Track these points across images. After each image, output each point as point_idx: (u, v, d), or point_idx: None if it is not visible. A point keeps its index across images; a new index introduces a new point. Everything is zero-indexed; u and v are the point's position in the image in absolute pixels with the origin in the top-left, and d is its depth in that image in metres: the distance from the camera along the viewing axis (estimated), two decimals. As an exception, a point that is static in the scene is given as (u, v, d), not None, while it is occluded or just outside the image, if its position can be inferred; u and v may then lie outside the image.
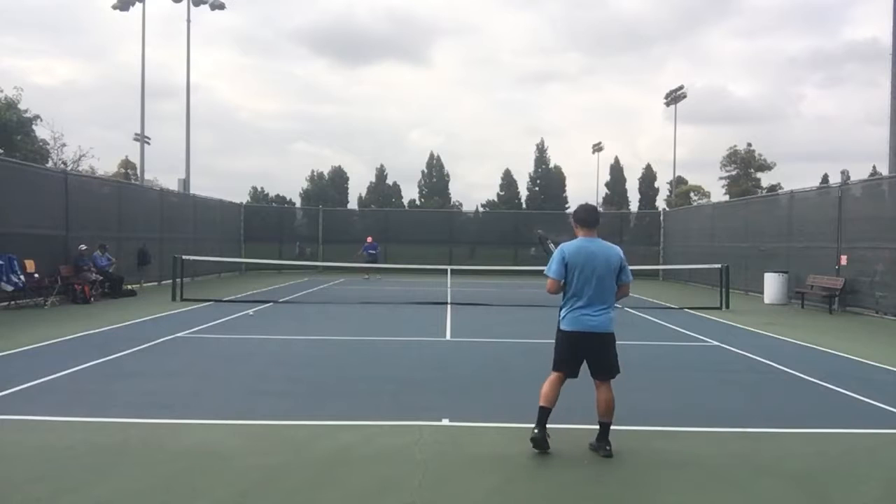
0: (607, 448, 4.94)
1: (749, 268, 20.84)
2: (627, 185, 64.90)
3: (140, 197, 22.46)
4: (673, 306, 16.92)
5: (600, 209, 55.82)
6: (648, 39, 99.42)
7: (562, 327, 5.10)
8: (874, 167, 52.67)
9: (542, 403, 5.01)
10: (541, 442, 4.91)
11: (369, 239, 28.17)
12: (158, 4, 62.58)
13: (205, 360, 8.70)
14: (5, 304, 14.00)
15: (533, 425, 4.97)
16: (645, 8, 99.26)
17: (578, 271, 4.97)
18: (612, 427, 5.74)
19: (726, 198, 49.09)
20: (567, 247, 5.09)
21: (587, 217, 5.20)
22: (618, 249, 5.13)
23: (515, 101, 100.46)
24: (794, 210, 19.39)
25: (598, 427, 5.04)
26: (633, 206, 61.49)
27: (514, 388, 7.22)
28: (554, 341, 5.21)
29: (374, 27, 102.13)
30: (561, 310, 5.14)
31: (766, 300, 18.33)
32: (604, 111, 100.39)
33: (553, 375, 5.09)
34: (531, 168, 65.08)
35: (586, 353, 5.04)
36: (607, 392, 5.04)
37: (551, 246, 5.39)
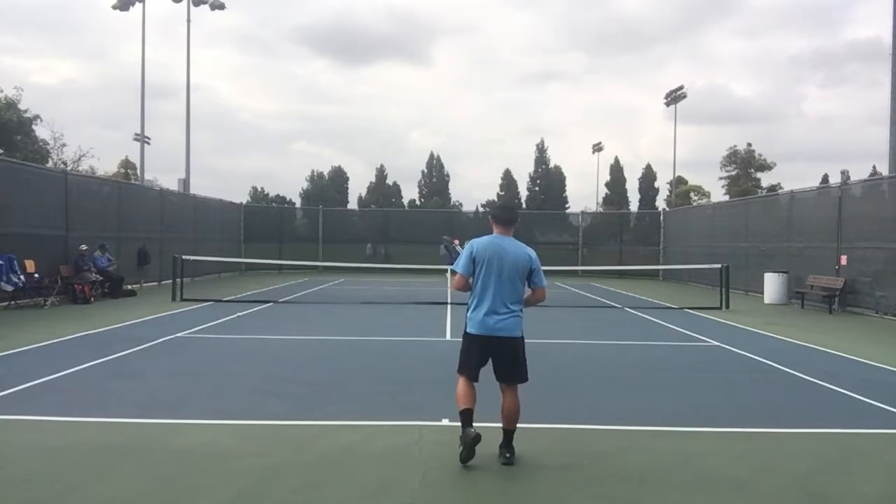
0: (507, 455, 4.70)
1: (749, 268, 20.84)
2: (627, 185, 64.97)
3: (140, 197, 22.45)
4: (673, 306, 16.92)
5: (601, 209, 55.84)
6: (649, 39, 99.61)
7: (467, 329, 4.84)
8: (874, 167, 52.75)
9: (462, 406, 4.72)
10: (475, 440, 4.58)
11: (456, 241, 27.28)
12: (158, 4, 62.60)
13: (205, 360, 8.70)
14: (5, 304, 14.00)
15: (532, 425, 4.96)
16: (646, 7, 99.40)
17: (484, 267, 4.73)
18: (608, 427, 5.75)
19: (726, 198, 49.10)
20: (477, 241, 4.85)
21: (502, 215, 4.95)
22: (529, 251, 4.85)
23: (516, 100, 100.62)
24: (794, 210, 19.39)
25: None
26: (633, 206, 61.54)
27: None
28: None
29: (375, 27, 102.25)
30: (467, 310, 4.88)
31: (766, 300, 18.33)
32: (604, 111, 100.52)
33: (461, 380, 4.82)
34: (531, 168, 65.19)
35: (491, 357, 4.79)
36: (512, 400, 4.76)
37: (458, 248, 5.21)
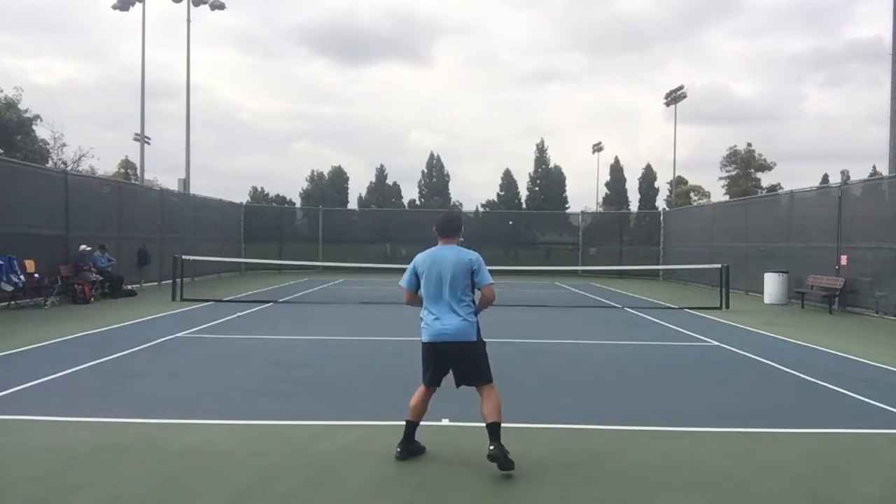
0: (491, 448, 4.53)
1: (749, 268, 20.84)
2: (627, 185, 65.04)
3: (140, 197, 22.47)
4: (673, 306, 16.92)
5: (600, 208, 55.71)
6: (649, 39, 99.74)
7: (422, 338, 4.89)
8: (874, 167, 52.77)
9: (409, 417, 4.87)
10: (403, 457, 4.80)
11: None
12: (158, 4, 62.66)
13: (205, 360, 8.70)
14: (5, 304, 14.00)
15: (532, 425, 4.93)
16: (646, 7, 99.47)
17: (425, 277, 4.82)
18: (608, 427, 5.73)
19: (726, 198, 49.09)
20: (418, 256, 4.96)
21: (442, 226, 4.96)
22: (471, 255, 4.84)
23: (516, 100, 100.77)
24: (794, 210, 19.39)
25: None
26: (633, 206, 61.60)
27: (514, 389, 7.21)
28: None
29: (375, 26, 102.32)
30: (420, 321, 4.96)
31: (766, 300, 18.33)
32: (604, 111, 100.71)
33: (421, 388, 4.90)
34: (531, 168, 65.24)
35: (448, 363, 4.81)
36: (488, 397, 4.73)
37: None
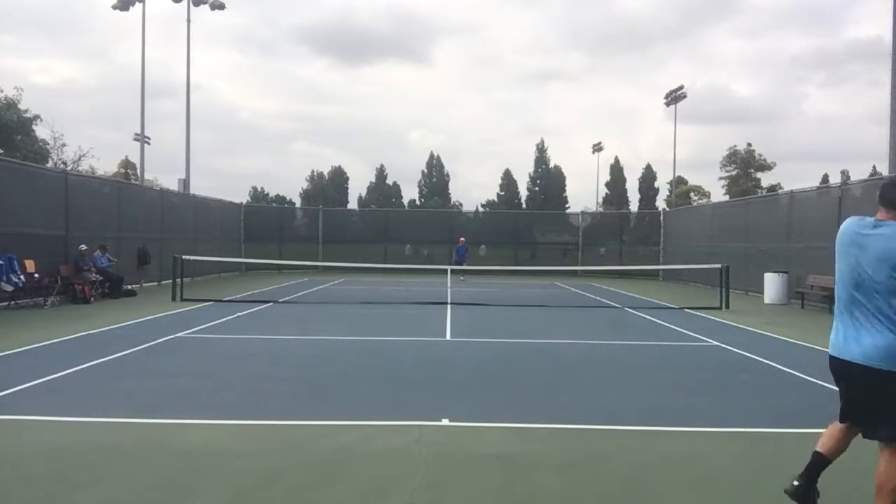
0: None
1: (749, 268, 20.83)
2: (627, 185, 65.14)
3: (140, 197, 22.47)
4: (673, 306, 16.91)
5: (600, 208, 55.67)
6: (650, 39, 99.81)
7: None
8: (874, 167, 52.80)
9: (817, 447, 3.79)
10: (801, 498, 3.74)
11: (462, 240, 28.13)
12: (158, 4, 62.70)
13: (205, 360, 8.70)
14: (5, 304, 14.00)
15: (532, 425, 4.91)
16: (646, 7, 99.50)
17: (838, 264, 3.44)
18: (608, 427, 5.72)
19: (726, 198, 49.09)
20: (843, 225, 3.54)
21: (883, 191, 3.51)
22: None
23: (516, 100, 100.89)
24: (794, 210, 19.39)
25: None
26: (633, 206, 61.65)
27: (514, 388, 7.23)
28: None
29: (375, 26, 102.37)
30: None
31: (766, 300, 18.33)
32: (604, 111, 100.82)
33: (836, 423, 3.71)
34: (531, 168, 65.32)
35: (851, 392, 3.47)
36: (885, 464, 3.40)
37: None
